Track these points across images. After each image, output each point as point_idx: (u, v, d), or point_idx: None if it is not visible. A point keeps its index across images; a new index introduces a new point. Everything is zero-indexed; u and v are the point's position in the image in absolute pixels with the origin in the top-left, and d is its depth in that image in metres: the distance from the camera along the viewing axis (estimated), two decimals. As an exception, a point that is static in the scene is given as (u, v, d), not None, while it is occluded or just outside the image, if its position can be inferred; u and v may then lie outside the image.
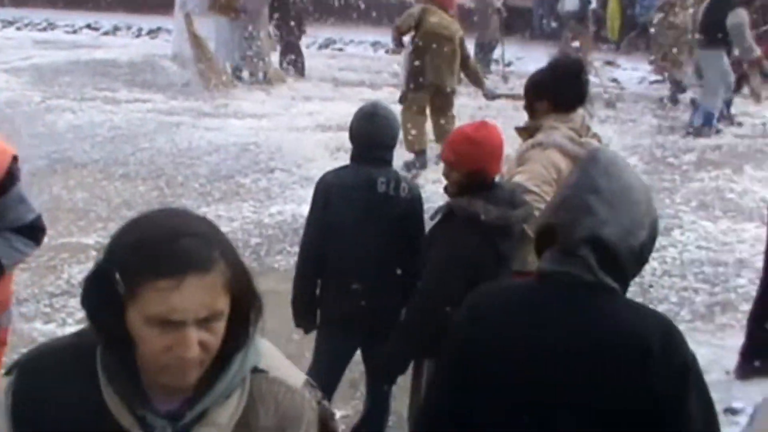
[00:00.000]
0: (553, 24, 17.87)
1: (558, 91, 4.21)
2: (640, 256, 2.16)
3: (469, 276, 3.36)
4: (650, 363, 2.02)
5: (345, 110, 12.47)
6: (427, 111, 9.79)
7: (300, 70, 15.33)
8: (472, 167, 3.63)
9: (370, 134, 4.16)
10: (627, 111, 13.72)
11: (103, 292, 1.67)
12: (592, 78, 16.58)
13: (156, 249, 1.65)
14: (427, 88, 9.59)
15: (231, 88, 13.72)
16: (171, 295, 1.63)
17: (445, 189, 3.80)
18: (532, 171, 4.00)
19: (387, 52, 17.20)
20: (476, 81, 10.25)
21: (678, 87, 14.47)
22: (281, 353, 1.93)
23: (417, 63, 9.56)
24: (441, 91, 9.64)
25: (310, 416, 1.86)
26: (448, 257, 3.61)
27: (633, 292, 6.50)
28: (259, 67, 14.31)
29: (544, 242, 2.21)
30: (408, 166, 9.15)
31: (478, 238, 3.58)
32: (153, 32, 19.30)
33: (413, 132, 9.48)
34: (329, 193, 4.10)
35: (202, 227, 1.74)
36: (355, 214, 4.03)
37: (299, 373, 1.91)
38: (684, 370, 2.06)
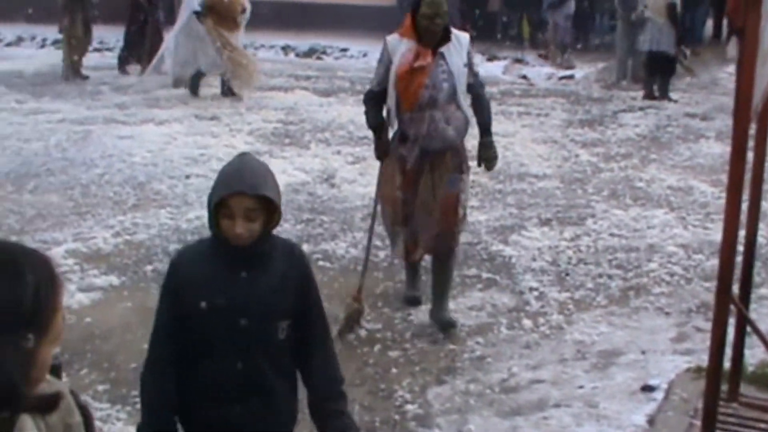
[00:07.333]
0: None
1: None
2: None
3: None
4: None
5: (264, 115, 12.50)
6: None
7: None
8: None
9: None
10: (537, 106, 13.98)
11: None
12: (502, 75, 16.94)
13: None
14: None
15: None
16: None
17: None
18: None
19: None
20: None
21: None
22: None
23: None
24: None
25: None
26: None
27: (549, 280, 6.71)
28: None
29: None
30: None
31: None
32: (58, 42, 18.86)
33: None
34: None
35: None
36: None
37: None
38: None
